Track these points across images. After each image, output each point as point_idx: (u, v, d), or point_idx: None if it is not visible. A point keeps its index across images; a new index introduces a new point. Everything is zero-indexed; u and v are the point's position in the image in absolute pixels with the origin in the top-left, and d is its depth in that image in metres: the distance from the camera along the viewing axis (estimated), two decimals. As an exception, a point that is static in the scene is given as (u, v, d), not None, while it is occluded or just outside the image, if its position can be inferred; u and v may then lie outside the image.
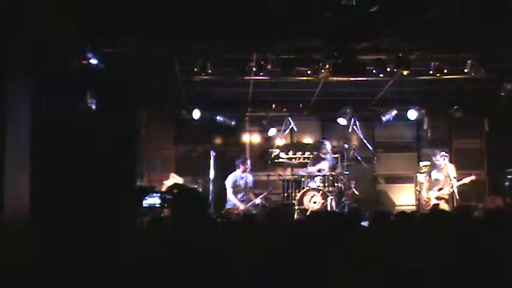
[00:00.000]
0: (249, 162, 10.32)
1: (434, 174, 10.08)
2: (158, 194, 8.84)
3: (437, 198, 9.91)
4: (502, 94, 9.90)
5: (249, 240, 3.90)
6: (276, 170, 11.15)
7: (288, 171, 11.23)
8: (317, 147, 11.11)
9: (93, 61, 7.85)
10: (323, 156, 10.66)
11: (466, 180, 9.86)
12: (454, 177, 9.81)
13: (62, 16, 6.62)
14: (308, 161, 11.13)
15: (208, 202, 9.21)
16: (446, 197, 9.90)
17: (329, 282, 3.18)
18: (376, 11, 6.84)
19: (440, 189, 9.90)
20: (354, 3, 6.66)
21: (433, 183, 10.09)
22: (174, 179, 10.52)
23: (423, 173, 10.54)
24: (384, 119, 11.40)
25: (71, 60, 7.75)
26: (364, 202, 10.67)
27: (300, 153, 11.35)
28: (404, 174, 11.72)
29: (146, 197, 8.64)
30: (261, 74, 8.87)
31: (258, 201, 10.05)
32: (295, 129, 11.23)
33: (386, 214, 5.08)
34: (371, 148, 11.15)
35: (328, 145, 10.78)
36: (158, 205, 8.63)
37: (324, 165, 10.48)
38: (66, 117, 7.33)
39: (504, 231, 3.80)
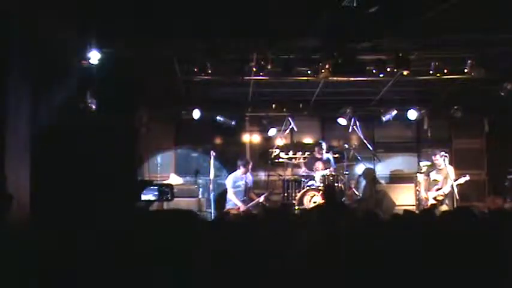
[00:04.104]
0: (250, 166, 10.28)
1: (433, 174, 10.07)
2: (156, 187, 8.85)
3: (435, 198, 9.91)
4: (502, 94, 9.90)
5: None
6: (276, 170, 11.15)
7: (288, 171, 11.23)
8: (313, 148, 11.09)
9: (93, 61, 7.84)
10: (318, 156, 10.65)
11: (461, 180, 9.84)
12: (455, 180, 9.76)
13: (62, 16, 6.62)
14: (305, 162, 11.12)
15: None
16: (442, 197, 9.87)
17: None
18: (375, 12, 6.84)
19: (438, 190, 9.89)
20: (355, 5, 6.66)
21: (431, 183, 10.07)
22: (174, 179, 10.54)
23: (423, 173, 10.54)
24: (384, 119, 11.40)
25: (71, 60, 7.75)
26: (364, 202, 10.68)
27: (300, 153, 11.34)
28: (405, 174, 11.72)
29: (144, 191, 8.65)
30: (261, 74, 8.87)
31: (261, 199, 10.04)
32: (295, 129, 11.23)
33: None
34: (371, 148, 11.16)
35: (323, 146, 10.76)
36: (156, 198, 8.66)
37: (319, 166, 10.46)
38: (66, 117, 7.34)
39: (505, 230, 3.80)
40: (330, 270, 3.26)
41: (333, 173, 10.34)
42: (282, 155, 11.12)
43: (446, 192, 9.80)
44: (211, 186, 10.20)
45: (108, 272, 3.16)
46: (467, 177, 9.88)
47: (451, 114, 11.38)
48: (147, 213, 6.41)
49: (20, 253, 3.25)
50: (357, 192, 10.63)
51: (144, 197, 8.62)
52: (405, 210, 5.13)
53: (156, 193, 8.68)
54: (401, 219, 4.49)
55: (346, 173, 10.58)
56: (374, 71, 8.80)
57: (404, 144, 12.08)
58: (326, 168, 10.41)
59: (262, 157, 11.45)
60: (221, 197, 10.27)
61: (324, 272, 3.26)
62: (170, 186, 9.00)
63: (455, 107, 11.24)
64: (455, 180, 9.79)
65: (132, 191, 8.77)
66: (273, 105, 11.49)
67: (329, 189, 9.46)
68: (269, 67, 8.65)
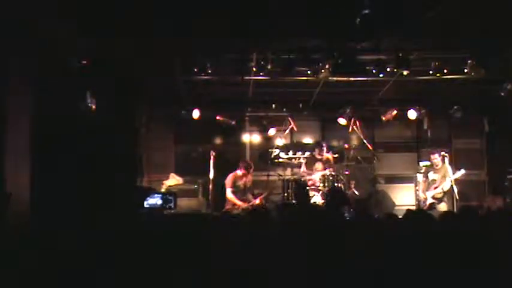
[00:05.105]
0: (252, 170, 10.20)
1: (431, 175, 10.08)
2: (159, 195, 8.87)
3: (434, 197, 9.91)
4: (502, 94, 9.91)
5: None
6: (276, 170, 11.15)
7: (288, 171, 11.22)
8: (313, 148, 11.08)
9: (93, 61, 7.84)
10: (318, 157, 10.64)
11: (458, 174, 9.83)
12: (453, 180, 9.74)
13: (62, 16, 6.62)
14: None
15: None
16: (440, 195, 9.87)
17: None
18: (375, 12, 6.83)
19: (436, 188, 9.90)
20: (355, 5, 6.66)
21: (430, 183, 10.08)
22: (174, 179, 10.53)
23: (422, 173, 10.55)
24: (384, 119, 11.40)
25: (71, 60, 7.74)
26: (364, 202, 10.68)
27: (300, 153, 11.34)
28: (404, 174, 11.72)
29: (147, 198, 8.67)
30: (261, 74, 8.87)
31: (257, 201, 10.03)
32: (295, 129, 11.24)
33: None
34: (371, 148, 11.16)
35: (324, 146, 10.75)
36: (159, 206, 8.67)
37: (319, 166, 10.45)
38: (66, 117, 7.33)
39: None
40: (328, 270, 3.26)
41: (333, 173, 10.33)
42: (282, 155, 11.12)
43: (445, 190, 9.80)
44: (211, 186, 10.19)
45: (107, 273, 3.17)
46: (463, 171, 9.88)
47: (451, 114, 11.38)
48: (150, 217, 6.43)
49: (20, 253, 3.25)
50: (357, 192, 10.62)
51: (147, 204, 8.64)
52: (408, 210, 5.13)
53: (160, 201, 8.70)
54: (401, 219, 4.49)
55: (346, 173, 10.58)
56: (374, 71, 8.81)
57: (405, 144, 12.09)
58: (326, 169, 10.39)
59: (262, 157, 11.45)
60: (221, 197, 10.26)
61: (324, 272, 3.26)
62: (174, 194, 9.00)
63: (455, 107, 11.24)
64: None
65: (132, 192, 8.78)
66: (273, 105, 11.49)
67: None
68: (269, 67, 8.65)
